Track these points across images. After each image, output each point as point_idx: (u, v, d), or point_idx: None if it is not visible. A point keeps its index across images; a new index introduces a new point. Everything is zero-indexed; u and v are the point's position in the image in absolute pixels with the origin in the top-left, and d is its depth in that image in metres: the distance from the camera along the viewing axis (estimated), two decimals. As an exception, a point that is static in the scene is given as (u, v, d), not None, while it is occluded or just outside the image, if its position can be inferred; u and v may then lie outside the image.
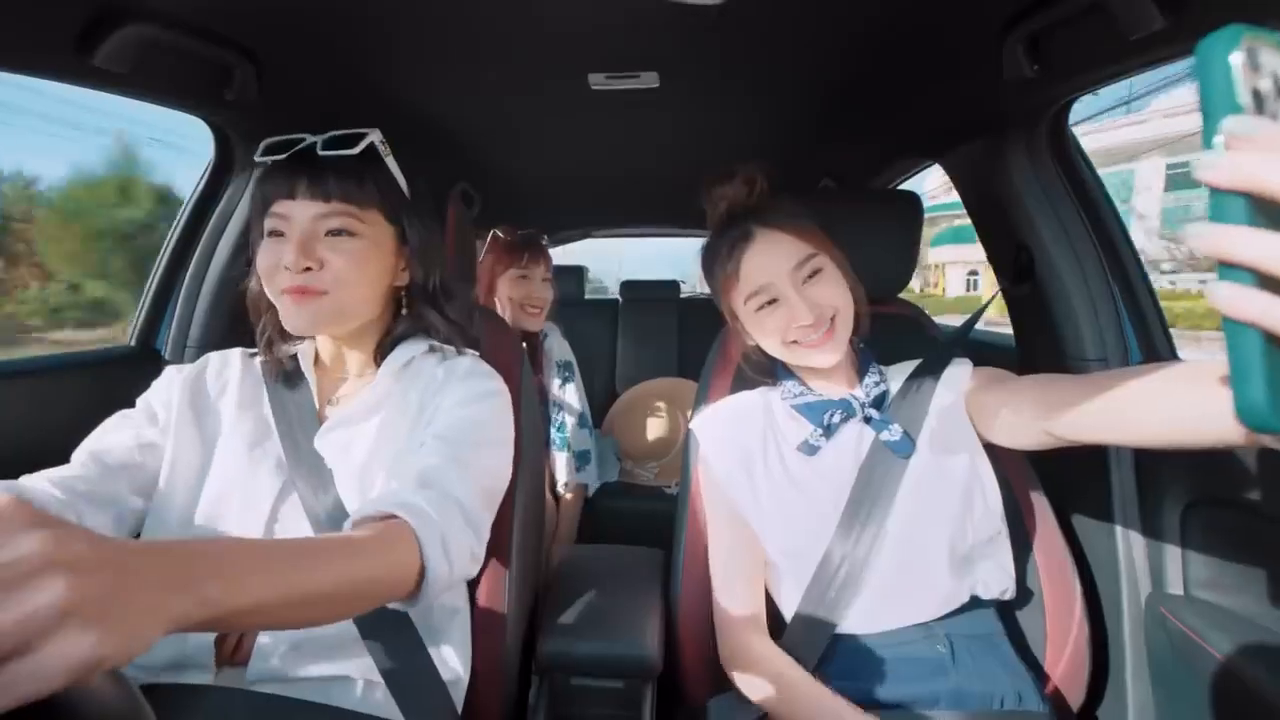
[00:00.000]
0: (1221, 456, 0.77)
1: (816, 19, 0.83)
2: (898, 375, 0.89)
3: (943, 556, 0.76)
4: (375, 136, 0.72)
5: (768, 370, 0.89)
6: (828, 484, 0.81)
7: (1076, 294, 0.94)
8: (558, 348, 1.60)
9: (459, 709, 0.74)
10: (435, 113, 1.21)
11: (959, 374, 0.86)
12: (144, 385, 0.77)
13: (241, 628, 0.39)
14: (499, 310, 1.52)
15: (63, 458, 0.68)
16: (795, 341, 0.80)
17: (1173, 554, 0.84)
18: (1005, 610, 0.84)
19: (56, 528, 0.28)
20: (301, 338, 0.80)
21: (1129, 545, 0.88)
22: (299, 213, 0.69)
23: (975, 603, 0.78)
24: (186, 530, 0.70)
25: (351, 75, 1.00)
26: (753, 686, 0.76)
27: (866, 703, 0.73)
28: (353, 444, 0.73)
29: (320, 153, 0.69)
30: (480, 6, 0.79)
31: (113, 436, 0.71)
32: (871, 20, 0.82)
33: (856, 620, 0.76)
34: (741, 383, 0.92)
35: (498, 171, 1.71)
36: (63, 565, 0.27)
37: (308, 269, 0.68)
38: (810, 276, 0.79)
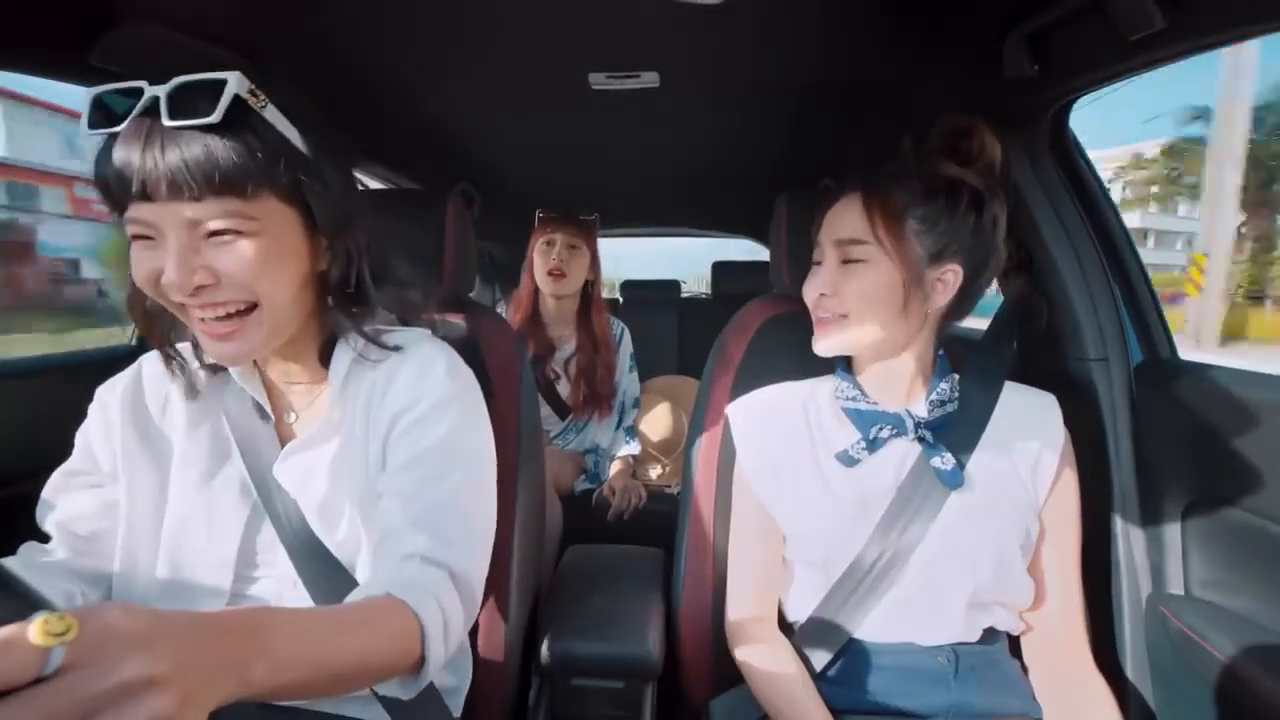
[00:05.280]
0: (1223, 456, 0.77)
1: (816, 19, 0.83)
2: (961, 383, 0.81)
3: (961, 600, 0.73)
4: (239, 86, 0.52)
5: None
6: (861, 495, 0.76)
7: (1076, 294, 0.94)
8: (627, 341, 1.83)
9: (455, 714, 0.73)
10: (435, 112, 1.21)
11: (1046, 419, 0.79)
12: None
13: (266, 699, 0.42)
14: (533, 279, 1.68)
15: (62, 459, 0.68)
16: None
17: (1173, 554, 0.84)
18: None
19: (151, 646, 0.32)
20: None
21: (1129, 545, 0.87)
22: (165, 218, 0.52)
23: (985, 634, 0.77)
24: (152, 574, 0.64)
25: (351, 75, 1.00)
26: (753, 671, 0.75)
27: (866, 709, 0.73)
28: (312, 474, 0.66)
29: (167, 123, 0.50)
30: (480, 6, 0.79)
31: (72, 503, 0.65)
32: (872, 20, 0.82)
33: (864, 632, 0.75)
34: (742, 384, 0.92)
35: (497, 171, 1.71)
36: (159, 684, 0.31)
37: (201, 287, 0.54)
38: (848, 262, 0.73)
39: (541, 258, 1.65)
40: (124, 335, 1.15)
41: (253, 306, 0.57)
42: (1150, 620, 0.85)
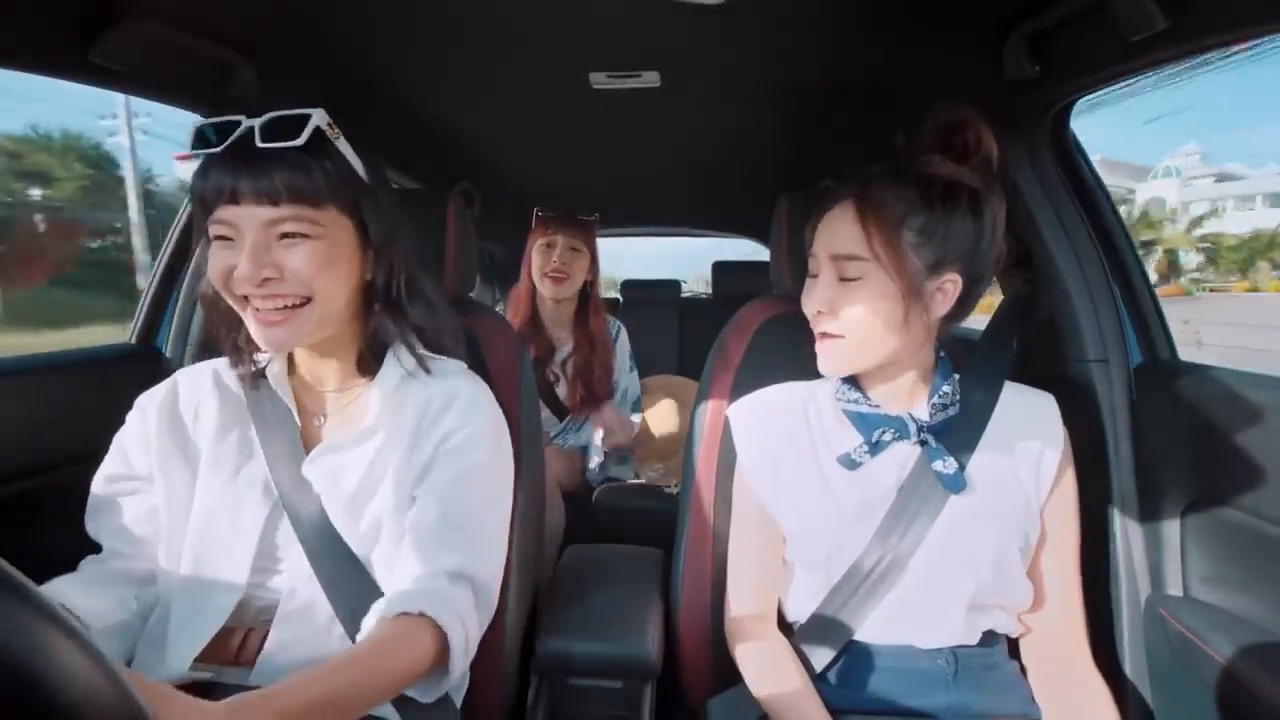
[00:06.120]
0: (1222, 457, 0.77)
1: (818, 19, 0.83)
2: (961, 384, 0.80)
3: (960, 603, 0.73)
4: (321, 119, 0.64)
5: None
6: (861, 497, 0.75)
7: (1077, 295, 0.94)
8: (624, 340, 1.84)
9: (459, 708, 0.74)
10: (436, 112, 1.21)
11: (1046, 418, 0.79)
12: (145, 384, 0.77)
13: None
14: (530, 279, 1.67)
15: (63, 457, 0.68)
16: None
17: (1172, 555, 0.84)
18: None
19: None
20: None
21: (1128, 546, 0.87)
22: (246, 219, 0.62)
23: (985, 636, 0.76)
24: (177, 565, 0.69)
25: (352, 74, 1.00)
26: (752, 669, 0.76)
27: (865, 709, 0.73)
28: (343, 471, 0.71)
29: (259, 144, 0.62)
30: (481, 6, 0.79)
31: (120, 513, 0.72)
32: (873, 20, 0.82)
33: (863, 634, 0.75)
34: (742, 383, 0.92)
35: (498, 170, 1.71)
36: None
37: (267, 279, 0.63)
38: (844, 279, 0.72)
39: (542, 259, 1.62)
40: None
41: (307, 301, 0.65)
42: (1149, 621, 0.85)
